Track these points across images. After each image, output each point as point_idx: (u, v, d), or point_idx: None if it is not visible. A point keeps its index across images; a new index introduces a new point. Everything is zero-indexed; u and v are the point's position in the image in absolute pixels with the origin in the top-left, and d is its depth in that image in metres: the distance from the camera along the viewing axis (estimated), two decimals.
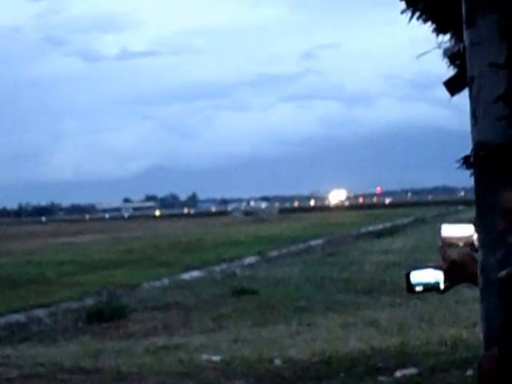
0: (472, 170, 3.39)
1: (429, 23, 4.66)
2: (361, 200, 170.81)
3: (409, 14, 4.47)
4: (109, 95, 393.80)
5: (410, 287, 1.97)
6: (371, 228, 47.89)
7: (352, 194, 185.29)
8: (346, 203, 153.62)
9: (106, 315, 15.50)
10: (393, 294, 16.80)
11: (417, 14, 4.49)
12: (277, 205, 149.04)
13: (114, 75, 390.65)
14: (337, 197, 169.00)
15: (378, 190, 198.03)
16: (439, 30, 4.79)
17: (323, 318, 14.54)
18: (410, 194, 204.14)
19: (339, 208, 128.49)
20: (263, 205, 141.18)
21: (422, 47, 4.92)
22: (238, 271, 23.92)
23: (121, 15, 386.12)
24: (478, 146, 3.27)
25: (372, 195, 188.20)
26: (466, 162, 3.45)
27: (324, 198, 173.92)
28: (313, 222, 64.52)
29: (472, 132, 3.33)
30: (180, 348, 12.12)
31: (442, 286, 2.34)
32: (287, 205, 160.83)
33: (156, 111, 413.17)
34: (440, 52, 5.10)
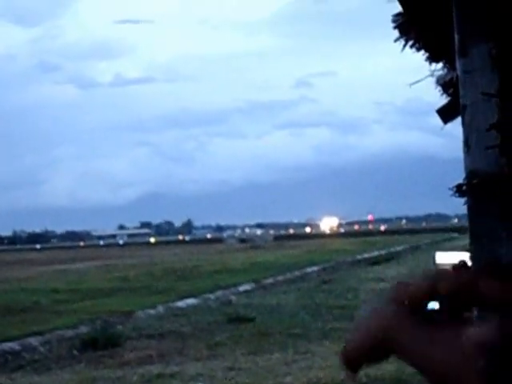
0: (465, 198, 3.40)
1: (422, 51, 4.71)
2: (356, 227, 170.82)
3: (402, 42, 4.51)
4: (103, 122, 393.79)
5: None
6: (366, 255, 47.82)
7: (344, 221, 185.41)
8: (342, 230, 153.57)
9: (101, 343, 15.42)
10: None
11: (410, 43, 4.53)
12: (272, 232, 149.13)
13: (108, 102, 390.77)
14: (328, 224, 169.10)
15: (370, 217, 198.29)
16: (432, 59, 4.83)
17: (319, 345, 14.50)
18: (404, 221, 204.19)
19: (334, 235, 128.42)
20: (258, 232, 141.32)
21: (415, 75, 4.96)
22: (233, 299, 23.87)
23: (115, 42, 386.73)
24: (471, 174, 3.28)
25: (364, 222, 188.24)
26: (459, 190, 3.45)
27: (318, 225, 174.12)
28: (308, 249, 64.37)
29: (465, 160, 3.34)
30: (175, 376, 12.09)
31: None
32: (282, 232, 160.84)
33: (151, 138, 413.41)
34: (433, 80, 5.14)
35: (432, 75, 5.02)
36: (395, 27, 4.50)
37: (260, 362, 13.04)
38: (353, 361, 0.81)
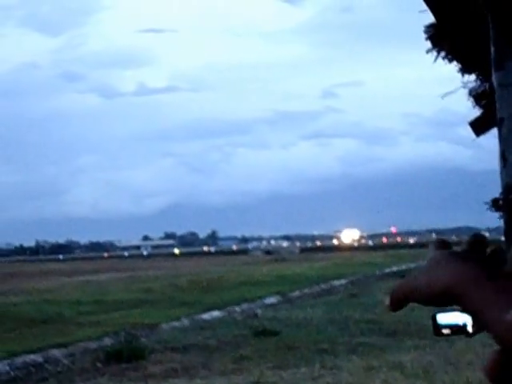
0: (501, 213, 3.28)
1: (454, 63, 4.59)
2: (384, 239, 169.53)
3: (434, 53, 4.40)
4: (127, 131, 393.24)
5: (437, 330, 1.83)
6: (395, 268, 47.51)
7: (365, 234, 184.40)
8: (370, 242, 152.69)
9: (125, 356, 15.29)
10: (417, 337, 16.59)
11: (442, 54, 4.41)
12: (298, 244, 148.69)
13: (131, 111, 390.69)
14: (349, 236, 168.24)
15: (393, 229, 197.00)
16: (465, 70, 4.71)
17: (346, 360, 14.31)
18: (434, 234, 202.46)
19: (362, 247, 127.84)
20: (284, 244, 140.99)
21: (443, 86, 4.86)
22: (259, 312, 23.70)
23: (138, 51, 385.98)
24: (508, 188, 3.16)
25: (387, 234, 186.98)
26: (495, 204, 3.35)
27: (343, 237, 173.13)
28: (335, 261, 64.08)
29: (501, 174, 3.22)
30: None
31: (470, 329, 2.21)
32: (308, 244, 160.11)
33: (175, 148, 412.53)
34: (463, 91, 5.02)
35: (464, 87, 4.90)
36: (427, 38, 4.38)
37: (286, 377, 12.91)
38: (401, 300, 0.88)
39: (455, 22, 4.11)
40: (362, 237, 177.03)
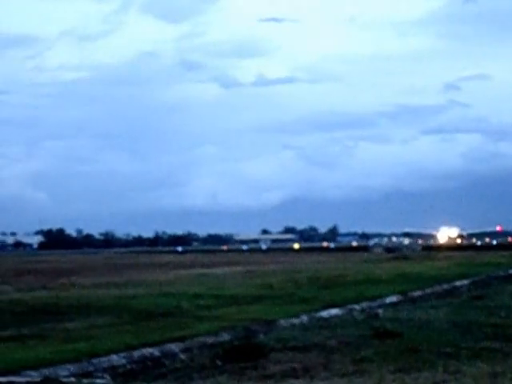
0: None
1: None
2: (510, 239, 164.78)
3: None
4: (245, 122, 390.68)
5: None
6: None
7: (465, 233, 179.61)
8: (494, 242, 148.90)
9: (244, 353, 14.96)
10: None
11: None
12: (419, 242, 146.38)
13: (250, 102, 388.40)
14: (447, 235, 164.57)
15: (499, 228, 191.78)
16: None
17: (470, 365, 13.68)
18: None
19: (486, 247, 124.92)
20: (406, 241, 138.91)
21: None
22: (380, 311, 23.13)
23: (259, 40, 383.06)
24: None
25: (492, 234, 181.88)
26: None
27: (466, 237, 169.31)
28: (457, 261, 62.65)
29: None
30: None
31: None
32: (430, 241, 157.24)
33: (294, 140, 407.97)
34: None
35: None
36: None
37: (407, 381, 12.45)
38: None
39: None
40: (461, 235, 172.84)
